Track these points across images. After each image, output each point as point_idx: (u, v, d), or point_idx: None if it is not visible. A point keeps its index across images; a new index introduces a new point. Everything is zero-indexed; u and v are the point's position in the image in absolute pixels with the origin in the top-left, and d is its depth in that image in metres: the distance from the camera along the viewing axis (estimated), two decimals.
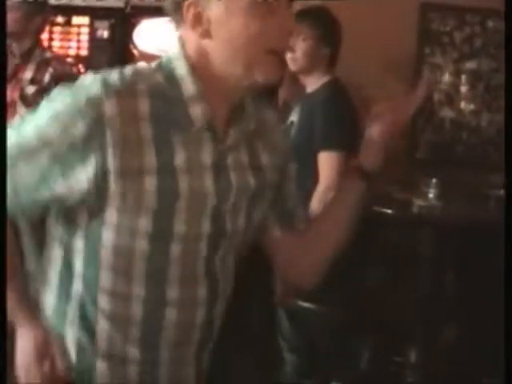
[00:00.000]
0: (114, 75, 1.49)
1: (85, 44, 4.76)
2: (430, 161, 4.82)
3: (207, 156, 1.53)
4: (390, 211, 3.96)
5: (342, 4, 3.88)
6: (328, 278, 3.11)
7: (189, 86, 1.51)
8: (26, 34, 3.98)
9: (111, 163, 1.43)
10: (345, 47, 3.56)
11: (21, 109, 3.95)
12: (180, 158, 1.48)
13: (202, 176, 1.52)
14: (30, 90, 3.95)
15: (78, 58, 4.69)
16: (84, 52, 4.74)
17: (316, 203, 3.27)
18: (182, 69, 1.52)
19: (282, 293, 3.39)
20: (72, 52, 4.73)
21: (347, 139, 3.33)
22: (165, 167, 1.46)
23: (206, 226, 1.54)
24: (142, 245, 1.49)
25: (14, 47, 4.03)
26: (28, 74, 3.97)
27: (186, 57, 1.53)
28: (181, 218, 1.49)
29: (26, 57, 4.00)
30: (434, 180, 4.16)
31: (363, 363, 3.85)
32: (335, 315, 3.46)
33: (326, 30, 3.46)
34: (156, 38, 4.66)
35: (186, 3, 1.48)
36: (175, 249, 1.51)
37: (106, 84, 1.46)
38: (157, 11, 4.68)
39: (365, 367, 3.84)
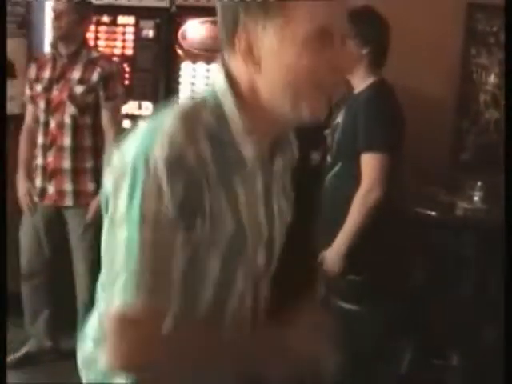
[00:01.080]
0: (172, 130, 1.42)
1: (130, 43, 4.79)
2: (475, 163, 4.78)
3: (260, 187, 1.55)
4: (434, 213, 3.94)
5: (388, 5, 3.86)
6: (370, 279, 3.11)
7: (238, 124, 1.49)
8: (74, 35, 4.03)
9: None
10: (391, 48, 3.54)
11: (70, 108, 4.00)
12: (241, 196, 1.49)
13: (257, 208, 1.54)
14: (79, 89, 4.00)
15: (124, 58, 4.72)
16: (129, 51, 4.77)
17: (357, 205, 3.26)
18: (229, 105, 1.50)
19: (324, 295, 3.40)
20: (117, 51, 4.76)
21: (391, 141, 3.31)
22: (230, 208, 1.47)
23: (261, 256, 1.59)
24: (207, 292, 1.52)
25: (61, 48, 4.07)
26: (76, 74, 4.02)
27: (234, 90, 1.50)
28: (244, 251, 1.53)
29: (73, 57, 4.05)
30: (479, 183, 4.13)
31: (404, 366, 3.84)
32: (377, 317, 3.44)
33: (366, 29, 3.43)
34: (201, 37, 4.68)
35: (238, 34, 1.46)
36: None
37: (172, 145, 1.40)
38: (202, 11, 4.73)
39: (405, 370, 3.82)
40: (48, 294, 4.30)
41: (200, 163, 1.41)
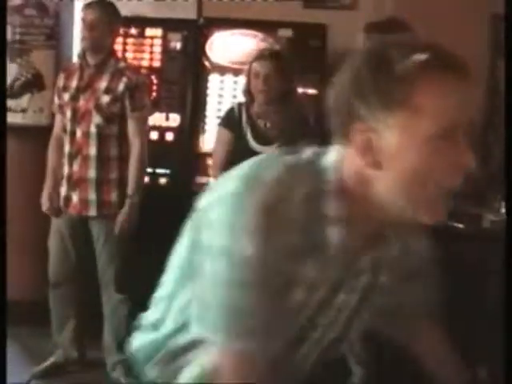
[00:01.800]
0: (273, 185, 1.41)
1: (157, 55, 4.82)
2: (501, 175, 4.75)
3: (334, 276, 1.49)
4: (461, 225, 3.92)
5: (411, 17, 3.87)
6: None
7: (333, 206, 1.41)
8: (102, 46, 4.06)
9: None
10: None
11: (95, 118, 4.02)
12: (311, 271, 1.45)
13: (326, 290, 1.51)
14: (105, 99, 4.02)
15: (151, 70, 4.75)
16: (157, 63, 4.80)
17: None
18: (331, 187, 1.42)
19: None
20: (145, 63, 4.79)
21: None
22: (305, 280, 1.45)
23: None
24: None
25: (89, 58, 4.11)
26: (102, 83, 4.04)
27: (341, 176, 1.43)
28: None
29: (101, 67, 4.08)
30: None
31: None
32: None
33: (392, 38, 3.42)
34: (228, 50, 4.70)
35: (356, 126, 1.37)
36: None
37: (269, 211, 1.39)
38: (229, 23, 4.76)
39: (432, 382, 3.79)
40: (74, 303, 4.31)
41: (291, 224, 1.39)
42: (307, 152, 1.50)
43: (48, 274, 4.30)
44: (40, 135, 4.74)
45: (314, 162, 1.47)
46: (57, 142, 4.22)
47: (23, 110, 4.87)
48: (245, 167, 1.48)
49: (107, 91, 4.03)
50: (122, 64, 4.16)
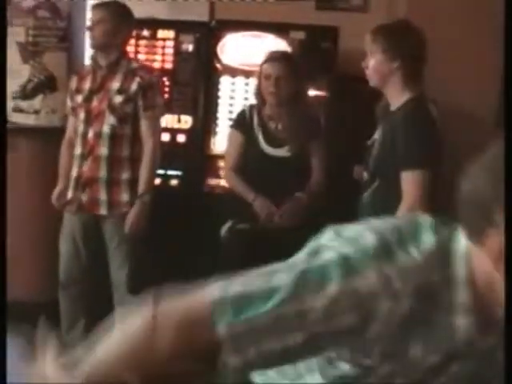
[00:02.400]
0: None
1: (170, 57, 4.82)
2: None
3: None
4: None
5: (426, 20, 3.86)
6: None
7: (464, 295, 1.40)
8: (112, 46, 4.07)
9: None
10: (429, 63, 3.51)
11: (109, 118, 4.03)
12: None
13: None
14: (118, 99, 4.03)
15: (163, 71, 4.74)
16: (169, 65, 4.80)
17: None
18: (464, 277, 1.40)
19: None
20: (157, 65, 4.78)
21: (430, 157, 3.29)
22: None
23: None
24: None
25: (100, 59, 4.12)
26: (115, 84, 4.05)
27: (472, 269, 1.39)
28: None
29: (113, 67, 4.09)
30: None
31: None
32: None
33: (397, 42, 3.38)
34: (240, 52, 4.70)
35: (491, 232, 1.31)
36: None
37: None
38: (241, 25, 4.76)
39: None
40: (85, 303, 4.32)
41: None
42: (441, 231, 1.45)
43: (58, 274, 4.32)
44: (52, 136, 4.76)
45: (446, 246, 1.43)
46: (69, 143, 4.24)
47: (36, 112, 4.88)
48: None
49: (120, 91, 4.04)
50: (134, 64, 4.17)
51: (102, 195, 4.08)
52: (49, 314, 4.35)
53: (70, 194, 4.17)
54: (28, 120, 4.91)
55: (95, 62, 4.17)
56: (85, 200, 4.12)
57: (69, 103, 4.26)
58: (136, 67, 4.13)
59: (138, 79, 4.03)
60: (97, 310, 4.31)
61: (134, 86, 4.03)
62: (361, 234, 1.43)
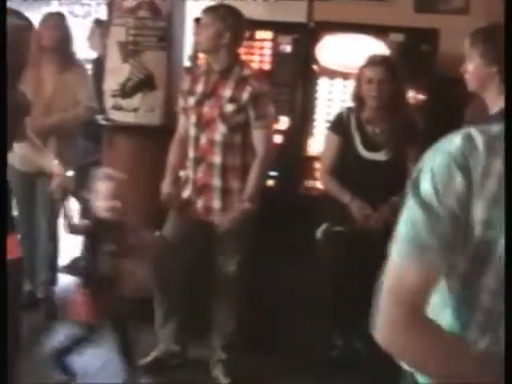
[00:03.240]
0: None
1: (267, 58, 4.84)
2: None
3: None
4: None
5: None
6: None
7: None
8: (219, 50, 4.04)
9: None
10: None
11: (220, 127, 4.02)
12: None
13: None
14: (229, 108, 4.01)
15: (261, 72, 4.76)
16: (267, 66, 4.82)
17: None
18: None
19: None
20: (255, 66, 4.80)
21: None
22: None
23: None
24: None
25: (213, 63, 4.10)
26: (227, 91, 4.02)
27: None
28: None
29: (225, 74, 4.06)
30: None
31: None
32: None
33: (492, 47, 3.27)
34: (338, 54, 4.69)
35: None
36: None
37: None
38: (340, 27, 4.75)
39: None
40: (180, 301, 4.36)
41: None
42: None
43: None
44: (151, 134, 4.84)
45: None
46: (180, 142, 4.24)
47: (135, 110, 4.95)
48: None
49: (232, 100, 4.01)
50: (246, 71, 4.11)
51: (216, 203, 4.11)
52: (143, 311, 4.47)
53: (186, 196, 4.21)
54: (127, 118, 4.98)
55: (208, 66, 4.17)
56: (199, 206, 4.15)
57: (181, 103, 4.25)
58: (248, 75, 4.07)
59: (249, 88, 3.98)
60: (193, 307, 4.37)
61: (245, 95, 3.99)
62: None
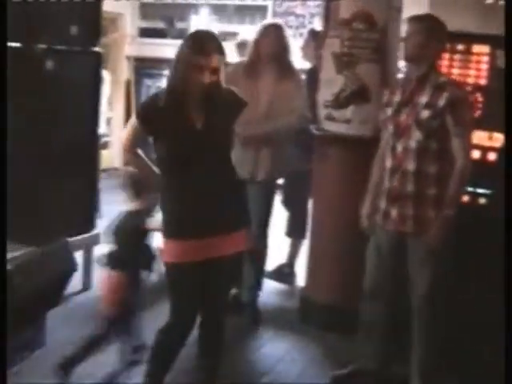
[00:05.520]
0: None
1: (484, 73, 4.75)
2: None
3: None
4: None
5: None
6: None
7: None
8: (423, 59, 4.08)
9: None
10: None
11: (415, 133, 4.05)
12: None
13: None
14: (425, 114, 4.03)
15: (476, 87, 4.69)
16: (483, 81, 4.74)
17: None
18: None
19: None
20: (470, 80, 4.73)
21: None
22: None
23: None
24: None
25: (411, 71, 4.15)
26: (423, 98, 4.05)
27: None
28: None
29: (422, 81, 4.09)
30: None
31: None
32: None
33: None
34: None
35: None
36: None
37: None
38: None
39: None
40: (384, 316, 4.37)
41: None
42: None
43: (362, 285, 4.41)
44: (362, 146, 4.89)
45: None
46: (381, 157, 4.30)
47: (347, 121, 5.03)
48: None
49: (427, 106, 4.03)
50: (442, 78, 4.13)
51: (409, 211, 4.10)
52: (349, 322, 4.51)
53: (382, 207, 4.23)
54: (339, 129, 5.06)
55: (406, 75, 4.21)
56: (394, 215, 4.17)
57: (381, 117, 4.33)
58: (444, 81, 4.09)
59: (446, 94, 3.98)
60: (395, 323, 4.36)
61: (442, 101, 4.00)
62: None
